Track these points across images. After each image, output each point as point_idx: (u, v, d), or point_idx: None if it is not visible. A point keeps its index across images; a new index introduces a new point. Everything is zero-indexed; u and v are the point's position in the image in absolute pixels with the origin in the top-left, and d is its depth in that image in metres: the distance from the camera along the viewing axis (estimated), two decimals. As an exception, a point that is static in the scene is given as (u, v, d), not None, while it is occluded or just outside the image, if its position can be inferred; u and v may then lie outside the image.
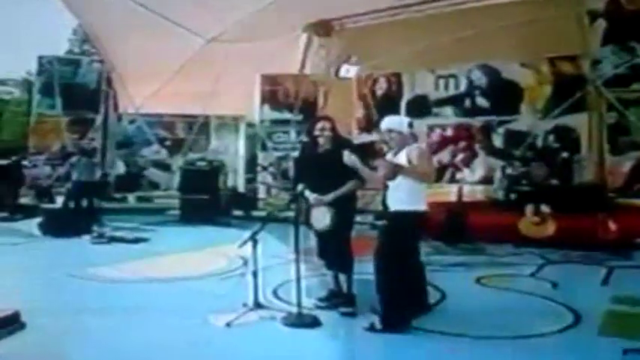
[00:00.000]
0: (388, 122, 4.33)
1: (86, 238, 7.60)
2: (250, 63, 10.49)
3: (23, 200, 10.52)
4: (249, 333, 3.95)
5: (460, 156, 10.96)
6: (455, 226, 7.72)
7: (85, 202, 8.93)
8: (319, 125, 4.49)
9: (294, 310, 4.21)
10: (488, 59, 10.47)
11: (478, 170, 10.72)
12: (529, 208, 7.67)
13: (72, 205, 8.75)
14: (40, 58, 10.82)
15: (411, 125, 4.28)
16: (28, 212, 9.41)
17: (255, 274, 4.34)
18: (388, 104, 11.41)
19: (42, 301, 4.56)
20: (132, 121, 11.14)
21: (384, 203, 4.20)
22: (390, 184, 4.07)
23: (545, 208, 7.60)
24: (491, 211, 8.54)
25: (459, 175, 10.67)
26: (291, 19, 10.20)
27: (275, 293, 4.89)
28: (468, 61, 10.60)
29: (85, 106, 10.99)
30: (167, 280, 5.44)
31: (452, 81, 10.96)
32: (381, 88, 11.55)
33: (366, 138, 11.35)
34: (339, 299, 4.44)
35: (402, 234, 4.08)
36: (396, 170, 3.97)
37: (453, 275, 5.84)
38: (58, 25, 10.86)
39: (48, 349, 3.61)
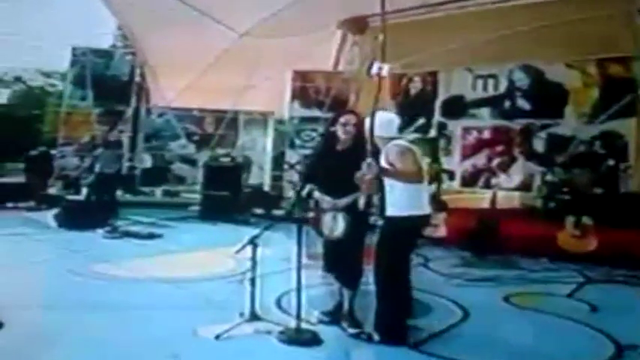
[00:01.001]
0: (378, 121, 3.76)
1: (100, 232, 7.28)
2: (282, 59, 10.08)
3: (52, 191, 10.38)
4: (239, 348, 3.49)
5: (497, 160, 10.17)
6: (486, 235, 7.05)
7: (106, 195, 8.66)
8: (342, 119, 3.97)
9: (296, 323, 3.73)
10: (530, 59, 9.69)
11: (516, 176, 9.94)
12: (569, 220, 6.88)
13: (93, 197, 8.49)
14: (74, 49, 10.68)
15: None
16: (54, 203, 9.22)
17: (253, 282, 3.86)
18: (422, 104, 10.78)
19: (22, 296, 4.25)
20: (161, 115, 10.92)
21: (380, 208, 3.68)
22: (386, 187, 3.62)
23: (587, 220, 6.80)
24: (527, 221, 7.79)
25: (494, 181, 9.91)
26: (326, 16, 9.70)
27: (278, 302, 4.41)
28: (509, 60, 9.84)
29: (116, 99, 10.79)
30: (166, 281, 5.03)
31: (491, 81, 10.21)
32: (415, 87, 10.92)
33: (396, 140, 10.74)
34: (346, 315, 3.91)
35: (399, 241, 3.64)
36: (380, 173, 3.55)
37: (478, 291, 5.22)
38: (105, 18, 10.56)
39: (20, 348, 3.27)
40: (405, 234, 3.67)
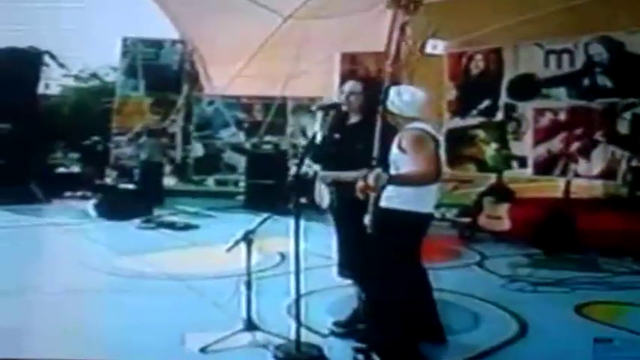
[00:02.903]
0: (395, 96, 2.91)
1: (136, 222, 6.86)
2: (330, 42, 9.34)
3: (107, 180, 10.23)
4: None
5: (575, 145, 8.74)
6: (558, 229, 5.88)
7: (151, 183, 8.31)
8: (346, 87, 3.18)
9: (306, 334, 2.98)
10: (610, 30, 8.25)
11: (597, 162, 8.50)
12: (661, 211, 5.61)
13: (137, 186, 8.16)
14: (124, 40, 10.51)
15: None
16: (107, 192, 8.99)
17: (248, 285, 3.13)
18: (486, 85, 9.58)
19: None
20: (210, 103, 10.49)
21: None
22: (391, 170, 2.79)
23: (683, 211, 5.50)
24: (609, 213, 6.46)
25: (573, 168, 8.56)
26: None
27: (289, 308, 3.64)
28: (585, 32, 8.43)
29: (168, 88, 10.51)
30: (180, 278, 4.43)
31: (565, 57, 8.80)
32: (477, 66, 9.70)
33: (457, 123, 9.67)
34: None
35: (394, 240, 2.81)
36: (387, 183, 2.68)
37: (544, 298, 4.20)
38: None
39: None
40: (406, 232, 2.82)
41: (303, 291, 3.98)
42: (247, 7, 8.64)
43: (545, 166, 8.83)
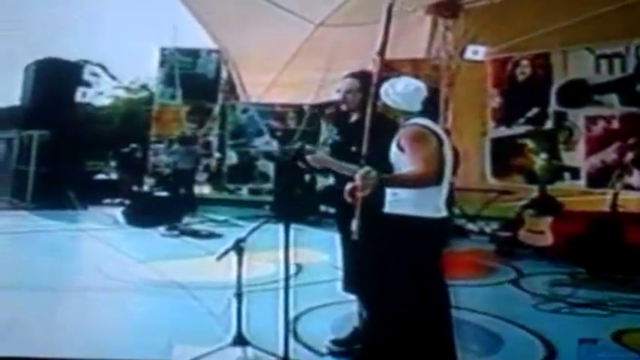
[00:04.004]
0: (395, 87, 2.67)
1: (161, 229, 6.82)
2: (364, 49, 9.08)
3: (145, 188, 10.37)
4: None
5: (630, 155, 8.13)
6: (603, 246, 5.35)
7: (182, 191, 8.30)
8: (344, 85, 2.94)
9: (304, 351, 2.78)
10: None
11: (651, 173, 7.88)
12: None
13: (168, 193, 8.17)
14: (162, 49, 10.71)
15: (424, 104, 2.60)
16: (138, 199, 9.08)
17: (239, 298, 2.92)
18: (533, 91, 9.08)
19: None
20: (244, 111, 10.49)
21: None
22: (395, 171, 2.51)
23: None
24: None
25: (623, 179, 7.89)
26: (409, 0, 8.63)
27: (295, 322, 3.41)
28: (638, 35, 7.86)
29: (204, 96, 10.66)
30: (187, 286, 4.27)
31: (617, 61, 8.24)
32: (523, 72, 9.23)
33: (503, 132, 9.21)
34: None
35: (400, 251, 2.47)
36: (380, 184, 2.37)
37: (580, 321, 3.77)
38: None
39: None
40: (412, 243, 2.46)
41: (315, 304, 3.85)
42: (279, 15, 8.70)
43: (599, 178, 8.22)
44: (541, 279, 4.86)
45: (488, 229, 7.02)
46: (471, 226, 7.05)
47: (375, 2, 8.58)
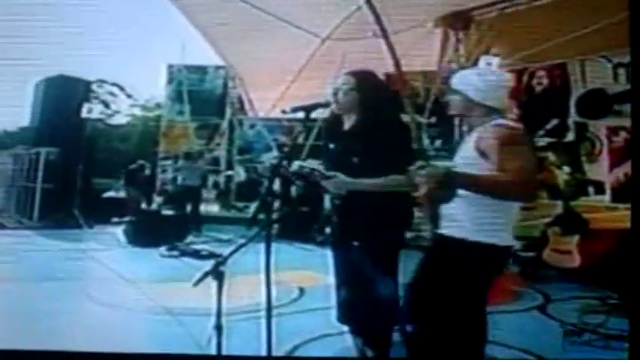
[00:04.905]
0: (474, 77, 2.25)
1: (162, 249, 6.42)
2: (372, 62, 8.77)
3: (153, 206, 10.00)
4: None
5: (654, 166, 7.55)
6: (636, 267, 4.78)
7: (188, 209, 7.91)
8: (337, 84, 2.53)
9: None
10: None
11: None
12: None
13: (173, 211, 7.79)
14: (170, 66, 10.45)
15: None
16: (143, 218, 8.71)
17: (219, 330, 2.47)
18: (552, 103, 8.59)
19: None
20: (252, 126, 10.12)
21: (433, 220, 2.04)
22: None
23: None
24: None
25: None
26: (418, 12, 8.30)
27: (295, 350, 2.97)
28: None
29: (212, 112, 10.31)
30: (173, 313, 3.83)
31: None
32: (540, 83, 8.74)
33: (522, 145, 8.70)
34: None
35: (454, 280, 2.04)
36: (448, 182, 1.93)
37: (617, 357, 3.21)
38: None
39: None
40: (472, 271, 2.03)
41: (317, 333, 3.41)
42: (286, 30, 8.45)
43: (624, 192, 7.66)
44: (570, 305, 4.32)
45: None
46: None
47: (382, 15, 8.27)
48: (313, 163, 2.61)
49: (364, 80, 2.43)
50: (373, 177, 2.34)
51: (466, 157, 2.11)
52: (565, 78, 8.49)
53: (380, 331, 2.43)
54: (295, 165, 2.46)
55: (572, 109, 8.39)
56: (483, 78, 2.22)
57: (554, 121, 8.54)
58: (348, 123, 2.53)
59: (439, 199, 2.01)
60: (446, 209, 2.09)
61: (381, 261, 2.37)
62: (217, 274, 2.44)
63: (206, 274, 2.47)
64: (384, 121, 2.35)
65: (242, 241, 2.75)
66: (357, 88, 2.45)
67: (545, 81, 8.76)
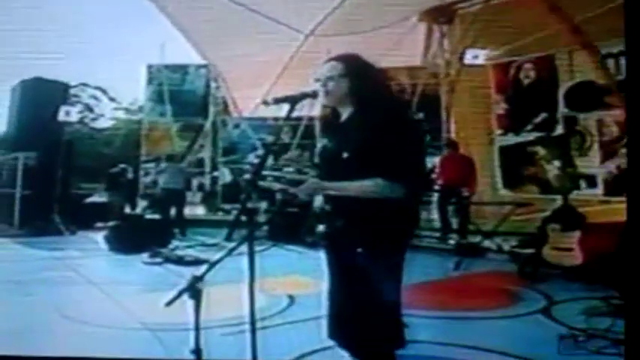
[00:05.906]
0: None
1: (144, 255, 6.03)
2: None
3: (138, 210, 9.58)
4: None
5: (646, 158, 7.33)
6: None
7: (172, 212, 7.53)
8: (324, 72, 2.19)
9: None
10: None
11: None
12: None
13: (156, 214, 7.41)
14: (149, 67, 10.04)
15: None
16: (133, 222, 8.29)
17: (197, 352, 2.12)
18: (540, 96, 8.37)
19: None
20: (236, 126, 9.76)
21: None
22: None
23: None
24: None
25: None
26: (401, 7, 8.17)
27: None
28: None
29: (194, 112, 9.95)
30: (152, 327, 3.46)
31: (624, 60, 7.51)
32: (527, 76, 8.51)
33: (512, 140, 8.46)
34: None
35: None
36: None
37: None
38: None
39: None
40: None
41: (307, 348, 3.11)
42: (268, 26, 8.17)
43: (617, 185, 7.45)
44: (575, 307, 4.01)
45: (506, 247, 6.16)
46: (487, 243, 6.18)
47: (364, 11, 8.11)
48: (288, 172, 2.29)
49: (354, 65, 2.10)
50: (357, 179, 2.00)
51: None
52: (553, 70, 8.24)
53: (382, 350, 2.10)
54: (266, 182, 2.12)
55: (561, 102, 8.20)
56: None
57: (543, 115, 8.32)
58: (344, 115, 2.20)
59: None
60: None
61: (385, 269, 2.03)
62: (194, 293, 2.08)
63: (180, 293, 2.11)
64: (384, 110, 2.02)
65: (231, 245, 2.38)
66: (346, 75, 2.12)
67: (532, 74, 8.48)
